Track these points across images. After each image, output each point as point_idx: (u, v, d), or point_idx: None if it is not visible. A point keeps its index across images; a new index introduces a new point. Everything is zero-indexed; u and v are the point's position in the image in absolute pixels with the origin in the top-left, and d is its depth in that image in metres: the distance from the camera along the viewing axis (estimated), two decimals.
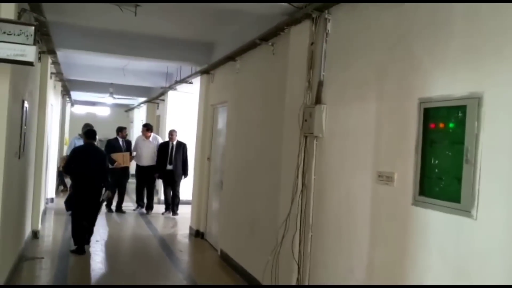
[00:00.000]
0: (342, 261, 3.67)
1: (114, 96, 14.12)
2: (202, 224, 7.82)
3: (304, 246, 4.15)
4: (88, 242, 6.73)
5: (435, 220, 2.73)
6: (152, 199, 10.31)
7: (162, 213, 9.99)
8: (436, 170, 2.78)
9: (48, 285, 5.31)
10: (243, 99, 6.15)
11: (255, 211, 5.45)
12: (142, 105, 16.93)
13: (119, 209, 9.97)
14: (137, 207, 10.35)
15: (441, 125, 2.77)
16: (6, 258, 4.96)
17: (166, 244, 7.39)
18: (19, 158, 5.31)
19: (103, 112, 20.59)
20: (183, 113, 11.58)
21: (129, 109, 20.90)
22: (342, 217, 3.70)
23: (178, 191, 9.97)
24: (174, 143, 9.88)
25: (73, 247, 6.53)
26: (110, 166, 8.71)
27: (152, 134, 10.45)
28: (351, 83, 3.71)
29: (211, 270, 6.23)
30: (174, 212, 9.90)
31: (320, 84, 4.08)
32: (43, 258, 6.18)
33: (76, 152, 6.82)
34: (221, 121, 7.47)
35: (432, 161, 2.81)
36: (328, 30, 4.04)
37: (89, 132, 6.90)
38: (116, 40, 7.30)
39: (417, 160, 2.89)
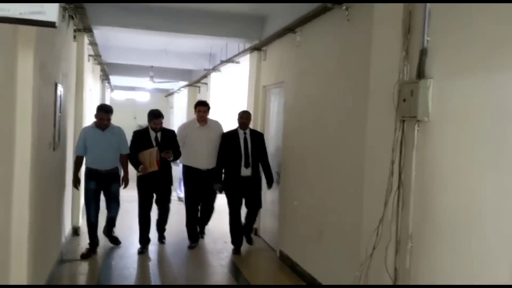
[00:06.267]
0: (461, 283, 2.77)
1: (154, 80, 13.51)
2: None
3: (401, 259, 3.27)
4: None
5: None
6: (207, 221, 6.69)
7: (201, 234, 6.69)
8: None
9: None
10: (306, 78, 5.25)
11: (325, 212, 4.60)
12: (182, 89, 16.30)
13: (160, 232, 6.48)
14: (193, 243, 6.38)
15: None
16: (44, 262, 4.36)
17: (216, 242, 6.67)
18: (54, 149, 4.66)
19: (142, 97, 20.14)
20: (227, 96, 10.79)
21: (169, 94, 20.38)
22: (460, 227, 2.78)
23: (258, 209, 6.34)
24: (248, 132, 6.20)
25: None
26: (137, 172, 5.96)
27: (211, 119, 6.59)
28: (473, 47, 2.76)
29: (271, 274, 5.49)
30: (250, 240, 6.45)
31: (423, 52, 3.14)
32: (84, 259, 5.57)
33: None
34: (275, 105, 6.62)
35: None
36: None
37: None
38: (158, 15, 6.55)
39: None
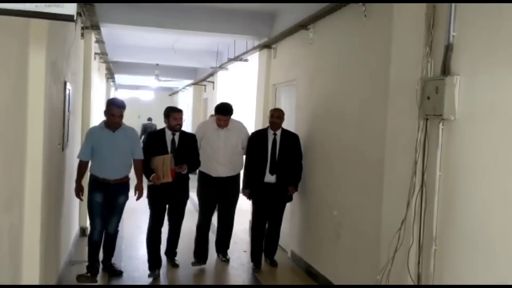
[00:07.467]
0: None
1: (160, 78, 13.41)
2: None
3: (425, 263, 3.17)
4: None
5: None
6: (227, 242, 5.79)
7: (222, 257, 5.75)
8: None
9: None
10: (320, 75, 5.14)
11: (341, 212, 4.49)
12: (187, 87, 16.20)
13: (170, 256, 5.48)
14: (198, 262, 5.53)
15: None
16: (54, 263, 4.28)
17: None
18: (63, 149, 4.56)
19: (146, 96, 20.08)
20: (234, 95, 10.67)
21: (173, 92, 20.29)
22: (488, 230, 2.67)
23: (279, 225, 5.51)
24: (278, 133, 5.33)
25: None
26: (148, 181, 5.01)
27: (233, 120, 5.46)
28: (502, 42, 2.65)
29: (283, 275, 5.39)
30: (272, 261, 5.60)
31: (449, 48, 3.03)
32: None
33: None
34: (286, 103, 6.50)
35: None
36: None
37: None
38: (167, 12, 6.45)
39: None
